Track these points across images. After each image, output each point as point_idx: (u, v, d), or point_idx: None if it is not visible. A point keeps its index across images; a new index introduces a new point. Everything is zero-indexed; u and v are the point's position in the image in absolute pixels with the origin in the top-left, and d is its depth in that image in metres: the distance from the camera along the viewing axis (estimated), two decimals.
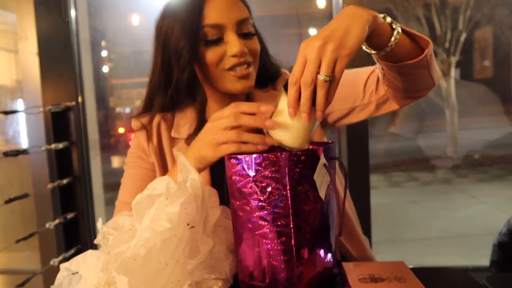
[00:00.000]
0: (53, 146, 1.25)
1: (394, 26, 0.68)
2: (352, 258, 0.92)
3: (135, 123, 0.90)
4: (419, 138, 8.23)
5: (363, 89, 0.86)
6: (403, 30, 0.69)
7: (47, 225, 1.21)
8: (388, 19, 0.68)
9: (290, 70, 0.97)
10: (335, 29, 0.60)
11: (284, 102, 0.64)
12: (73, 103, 1.33)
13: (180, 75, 0.82)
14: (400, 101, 0.84)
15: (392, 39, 0.67)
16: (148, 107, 0.90)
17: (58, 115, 1.31)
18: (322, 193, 0.64)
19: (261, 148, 0.65)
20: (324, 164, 0.64)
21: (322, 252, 0.66)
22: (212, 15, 0.79)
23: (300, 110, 0.61)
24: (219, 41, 0.80)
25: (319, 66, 0.59)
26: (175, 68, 0.82)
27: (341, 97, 0.86)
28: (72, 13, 1.52)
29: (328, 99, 0.60)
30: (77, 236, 1.34)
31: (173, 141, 0.88)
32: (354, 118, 0.90)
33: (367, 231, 1.38)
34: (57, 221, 1.24)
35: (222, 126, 0.66)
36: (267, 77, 0.92)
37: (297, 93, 0.60)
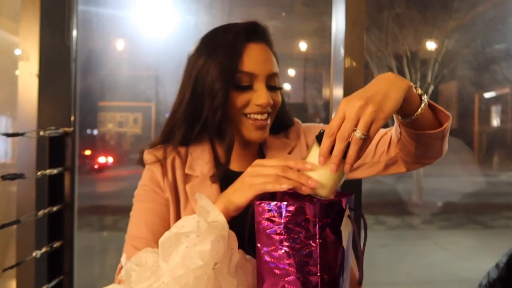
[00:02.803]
0: (48, 171, 1.21)
1: (422, 98, 0.73)
2: None
3: (149, 156, 0.90)
4: (392, 182, 8.48)
5: (374, 148, 0.90)
6: (428, 102, 0.75)
7: (34, 254, 1.16)
8: (419, 91, 0.73)
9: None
10: (376, 92, 0.65)
11: (315, 153, 0.67)
12: (72, 128, 1.31)
13: (211, 114, 0.83)
14: (408, 165, 0.88)
15: (420, 109, 0.72)
16: (167, 138, 0.90)
17: (55, 139, 1.29)
18: (345, 243, 0.66)
19: (305, 189, 0.66)
20: (348, 215, 0.66)
21: None
22: (249, 63, 0.83)
23: (330, 161, 0.64)
24: (248, 88, 0.84)
25: (356, 124, 0.63)
26: (207, 106, 0.84)
27: None
28: (74, 35, 1.51)
29: (358, 155, 0.64)
30: (60, 266, 1.28)
31: (186, 177, 0.88)
32: (361, 174, 0.94)
33: None
34: (44, 249, 1.18)
35: (265, 172, 0.68)
36: (281, 125, 0.95)
37: (331, 144, 0.64)
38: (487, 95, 11.97)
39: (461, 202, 7.46)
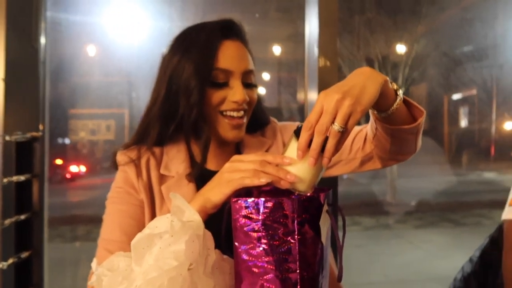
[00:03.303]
0: (14, 178, 1.16)
1: (398, 93, 0.74)
2: None
3: (122, 157, 0.87)
4: (367, 183, 8.61)
5: (350, 145, 0.90)
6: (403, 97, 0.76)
7: (0, 265, 1.10)
8: (395, 86, 0.74)
9: None
10: (353, 86, 0.65)
11: (293, 147, 0.67)
12: (40, 133, 1.26)
13: (187, 112, 0.82)
14: (383, 161, 0.89)
15: (395, 104, 0.73)
16: (141, 138, 0.87)
17: (21, 144, 1.23)
18: (324, 239, 0.65)
19: (283, 184, 0.65)
20: (327, 210, 0.66)
21: None
22: (224, 60, 0.82)
23: (308, 154, 0.64)
24: (224, 85, 0.83)
25: (335, 117, 0.62)
26: (183, 104, 0.82)
27: None
28: (42, 40, 1.47)
29: (337, 149, 0.64)
30: (29, 278, 1.22)
31: (162, 178, 0.86)
32: (338, 171, 0.93)
33: None
34: (11, 260, 1.13)
35: (243, 167, 0.67)
36: (257, 124, 0.94)
37: (309, 138, 0.63)
38: (455, 96, 12.39)
39: (434, 201, 7.67)
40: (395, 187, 7.97)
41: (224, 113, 0.84)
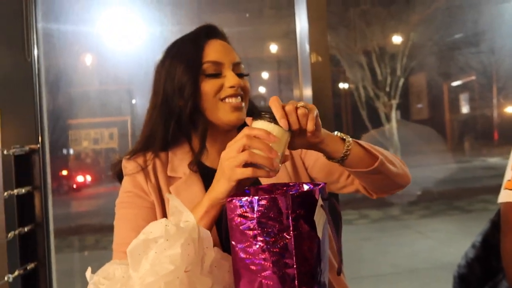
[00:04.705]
0: (15, 191, 1.17)
1: (344, 138, 0.78)
2: None
3: (129, 164, 0.90)
4: None
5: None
6: (358, 142, 0.80)
7: (6, 278, 1.11)
8: (339, 134, 0.79)
9: None
10: None
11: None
12: (38, 145, 1.27)
13: (184, 107, 0.86)
14: (375, 194, 0.91)
15: (343, 152, 0.77)
16: (146, 145, 0.91)
17: (20, 158, 1.25)
18: (320, 233, 0.66)
19: (272, 174, 0.68)
20: (321, 205, 0.66)
21: None
22: (212, 54, 0.88)
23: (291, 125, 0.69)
24: (218, 75, 0.88)
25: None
26: (179, 101, 0.87)
27: (328, 170, 0.93)
28: (35, 52, 1.48)
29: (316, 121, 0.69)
30: None
31: (170, 180, 0.89)
32: (337, 189, 0.96)
33: None
34: (17, 272, 1.14)
35: (236, 148, 0.69)
36: None
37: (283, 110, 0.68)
38: (455, 83, 12.33)
39: (439, 189, 7.63)
40: None
41: (223, 100, 0.88)
